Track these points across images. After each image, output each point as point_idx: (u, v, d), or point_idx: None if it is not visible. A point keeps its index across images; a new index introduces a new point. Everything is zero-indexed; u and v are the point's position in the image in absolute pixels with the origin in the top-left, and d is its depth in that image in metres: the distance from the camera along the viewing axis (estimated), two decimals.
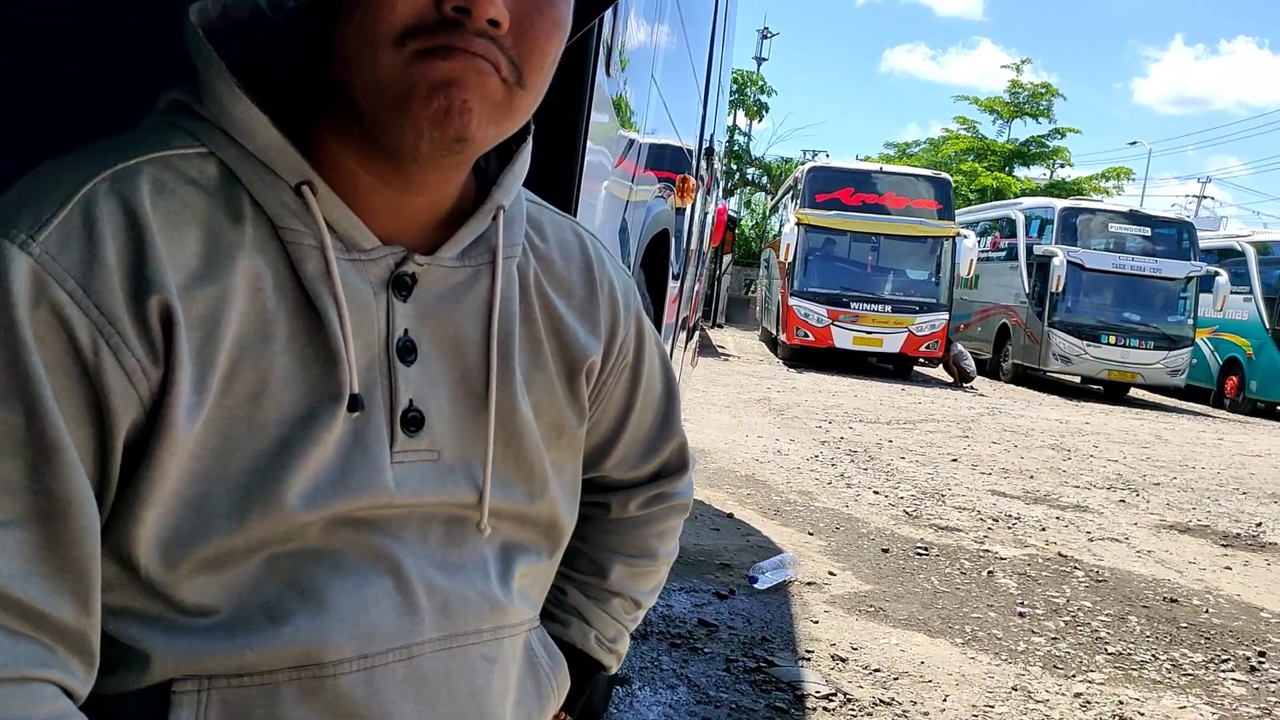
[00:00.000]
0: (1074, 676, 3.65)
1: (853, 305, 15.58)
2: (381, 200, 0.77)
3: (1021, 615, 4.30)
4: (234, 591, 0.72)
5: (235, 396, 0.71)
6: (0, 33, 1.61)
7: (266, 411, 0.72)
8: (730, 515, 5.55)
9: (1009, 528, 5.97)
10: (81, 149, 0.72)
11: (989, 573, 4.92)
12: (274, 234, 0.73)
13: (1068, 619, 4.32)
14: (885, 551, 5.13)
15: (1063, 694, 3.46)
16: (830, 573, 4.65)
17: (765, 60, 32.61)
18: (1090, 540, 5.86)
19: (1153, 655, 3.97)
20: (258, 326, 0.72)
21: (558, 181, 1.41)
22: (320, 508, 0.73)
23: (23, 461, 0.64)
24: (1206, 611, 4.63)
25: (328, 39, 0.72)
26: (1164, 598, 4.79)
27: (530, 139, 0.88)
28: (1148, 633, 4.25)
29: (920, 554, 5.15)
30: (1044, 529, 6.03)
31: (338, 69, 0.72)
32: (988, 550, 5.37)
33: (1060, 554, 5.44)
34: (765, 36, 32.04)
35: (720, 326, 23.62)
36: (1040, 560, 5.27)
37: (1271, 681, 3.80)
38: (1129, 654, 3.96)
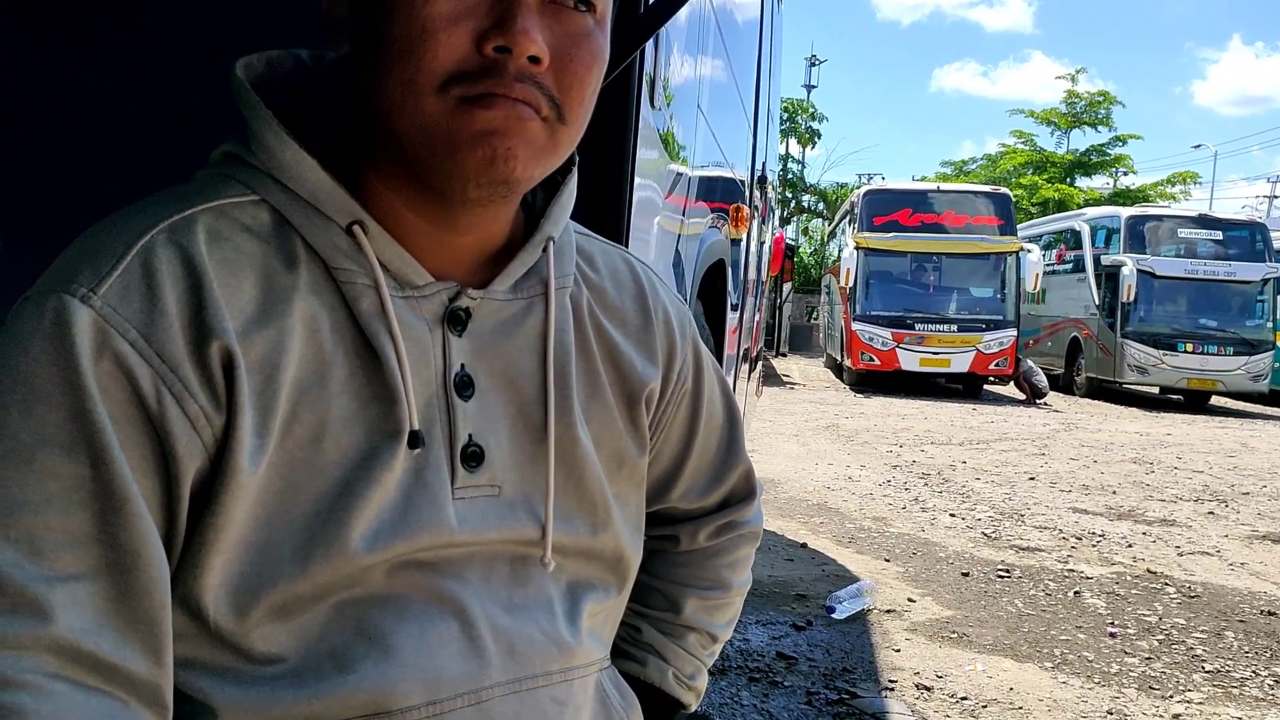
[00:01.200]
0: (1171, 697, 3.51)
1: (917, 327, 15.38)
2: (431, 241, 0.78)
3: (1113, 636, 4.16)
4: (301, 640, 0.72)
5: (296, 439, 0.71)
6: (57, 92, 1.67)
7: (327, 453, 0.72)
8: (804, 545, 5.47)
9: (1093, 546, 5.80)
10: (137, 204, 0.73)
11: (1075, 593, 4.78)
12: (328, 275, 0.74)
13: (1161, 638, 4.17)
14: (965, 575, 5.01)
15: (1160, 716, 3.33)
16: (910, 599, 4.55)
17: (815, 87, 32.61)
18: (1180, 555, 5.67)
19: (1253, 671, 3.81)
20: (315, 368, 0.72)
21: (607, 217, 1.41)
22: (384, 548, 0.73)
23: (91, 513, 0.64)
24: None
25: (372, 86, 0.73)
26: (1261, 611, 4.60)
27: (575, 170, 0.88)
28: (1246, 648, 4.08)
29: (1002, 576, 5.02)
30: (1130, 545, 5.85)
31: (383, 116, 0.73)
32: (1073, 570, 5.22)
33: (1149, 571, 5.27)
34: (813, 64, 32.09)
35: (784, 355, 23.46)
36: (1129, 578, 5.11)
37: None
38: (1228, 671, 3.80)
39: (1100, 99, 30.74)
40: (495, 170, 0.72)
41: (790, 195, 30.86)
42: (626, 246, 1.45)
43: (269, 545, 0.70)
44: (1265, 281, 15.58)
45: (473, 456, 0.78)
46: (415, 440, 0.75)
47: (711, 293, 2.69)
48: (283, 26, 1.43)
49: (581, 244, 0.93)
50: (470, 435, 0.78)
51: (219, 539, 0.68)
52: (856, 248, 15.86)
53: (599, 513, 0.87)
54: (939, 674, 3.61)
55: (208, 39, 1.54)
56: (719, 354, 2.81)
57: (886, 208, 16.19)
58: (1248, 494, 7.82)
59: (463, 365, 0.79)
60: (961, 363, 15.38)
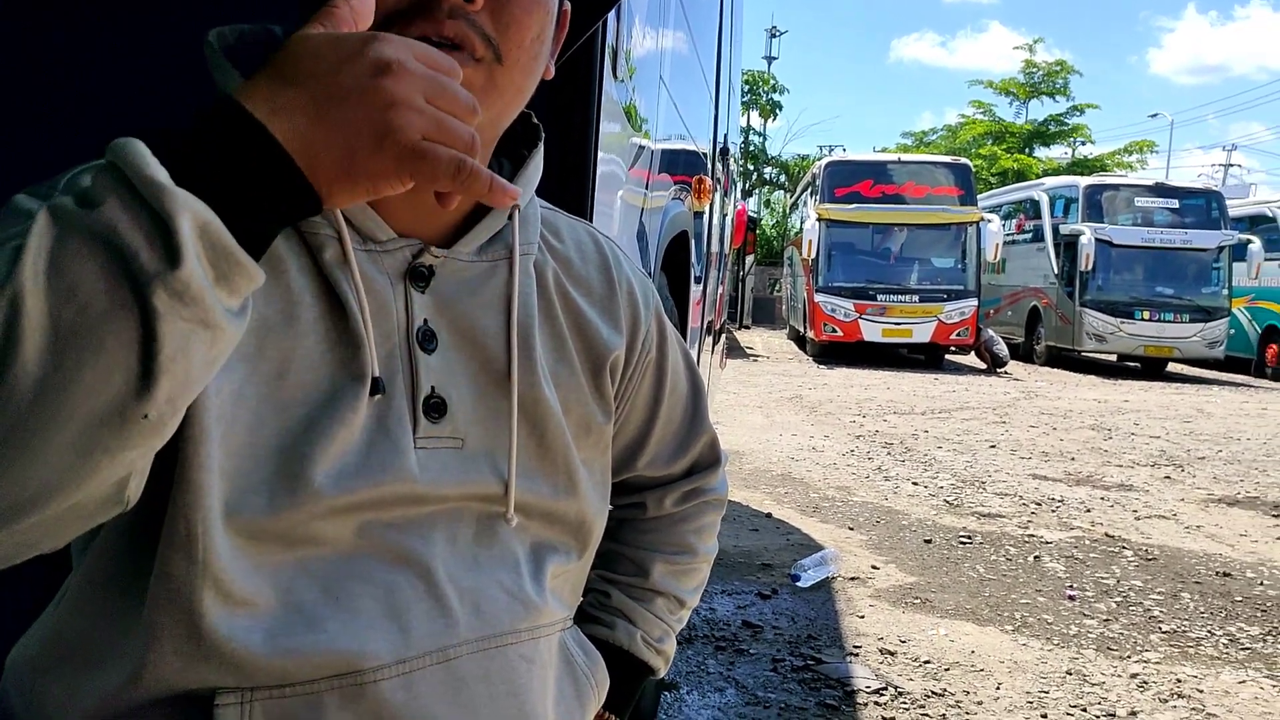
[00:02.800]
0: (1129, 657, 3.60)
1: (879, 298, 15.49)
2: (396, 201, 0.78)
3: (1071, 598, 4.25)
4: (272, 588, 0.72)
5: (262, 374, 0.72)
6: (30, 59, 1.65)
7: (291, 390, 0.73)
8: (769, 515, 5.52)
9: (1053, 511, 5.90)
10: None
11: (1035, 558, 4.86)
12: (293, 226, 0.74)
13: (1119, 600, 4.27)
14: (928, 542, 5.08)
15: (1119, 675, 3.41)
16: (873, 567, 4.61)
17: (775, 59, 32.55)
18: (1137, 519, 5.79)
19: (1208, 631, 3.91)
20: (282, 307, 0.73)
21: (570, 188, 1.41)
22: (347, 490, 0.73)
23: None
24: (1261, 584, 4.56)
25: None
26: (1216, 572, 4.72)
27: (541, 144, 0.89)
28: (1202, 609, 4.18)
29: (964, 543, 5.10)
30: (1089, 510, 5.96)
31: None
32: (1033, 535, 5.31)
33: (1107, 535, 5.37)
34: (774, 35, 32.02)
35: (747, 328, 23.57)
36: (1087, 542, 5.20)
37: None
38: (1184, 631, 3.90)
39: (1058, 69, 30.95)
40: None
41: (752, 167, 30.89)
42: (590, 218, 1.45)
43: (238, 474, 0.70)
44: (1220, 249, 15.82)
45: (435, 408, 0.79)
46: (376, 386, 0.75)
47: (675, 265, 2.69)
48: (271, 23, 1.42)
49: (548, 217, 0.94)
50: (433, 387, 0.79)
51: (197, 455, 0.68)
52: (818, 219, 15.91)
53: (561, 473, 0.88)
54: (902, 639, 3.67)
55: (190, 51, 1.53)
56: (683, 326, 2.82)
57: (848, 179, 16.25)
58: (1203, 459, 7.98)
59: (425, 320, 0.80)
60: (923, 333, 15.52)
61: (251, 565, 0.72)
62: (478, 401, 0.82)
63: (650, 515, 1.09)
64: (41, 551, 0.61)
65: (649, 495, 1.09)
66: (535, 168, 0.89)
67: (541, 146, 0.89)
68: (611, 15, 1.44)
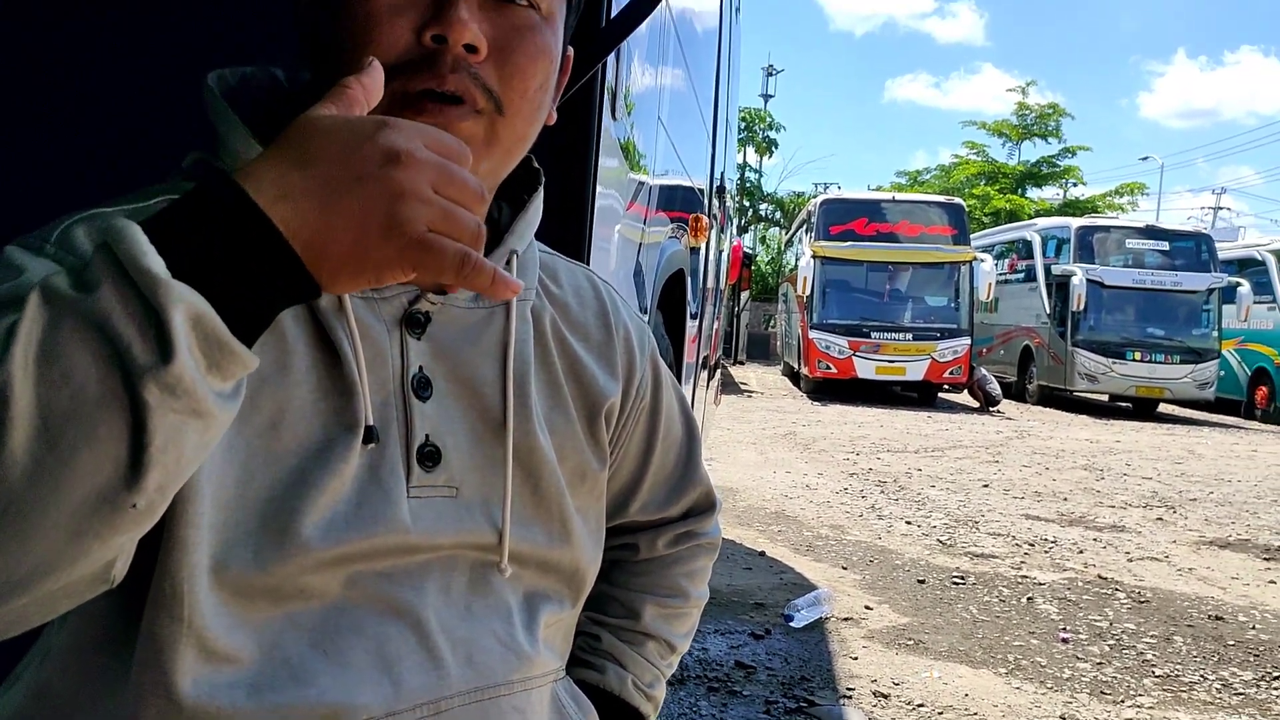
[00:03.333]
0: (1123, 702, 3.57)
1: (873, 335, 15.52)
2: None
3: (1065, 641, 4.22)
4: (258, 645, 0.71)
5: (254, 426, 0.71)
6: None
7: (284, 441, 0.72)
8: (762, 553, 5.50)
9: (1046, 552, 5.88)
10: (108, 201, 0.75)
11: (1028, 599, 4.84)
12: None
13: (1112, 643, 4.24)
14: (921, 583, 5.06)
15: None
16: (867, 607, 4.58)
17: (772, 97, 32.80)
18: (1130, 561, 5.77)
19: (1201, 676, 3.88)
20: (276, 356, 0.72)
21: (569, 227, 1.41)
22: (336, 542, 0.72)
23: None
24: (1253, 628, 4.54)
25: (325, 82, 0.74)
26: (1209, 616, 4.70)
27: (541, 188, 0.89)
28: (1195, 653, 4.16)
29: (957, 583, 5.07)
30: (1082, 551, 5.95)
31: None
32: (1026, 576, 5.29)
33: (1100, 576, 5.35)
34: (770, 73, 32.30)
35: (741, 363, 23.57)
36: (1080, 584, 5.18)
37: None
38: (1177, 675, 3.87)
39: (1050, 111, 31.28)
40: None
41: (748, 204, 31.04)
42: (588, 257, 1.45)
43: (225, 527, 0.69)
44: (1211, 291, 15.91)
45: (429, 456, 0.78)
46: (370, 435, 0.75)
47: (671, 303, 2.69)
48: (266, 40, 1.43)
49: (546, 261, 0.94)
50: (427, 435, 0.78)
51: (186, 513, 0.67)
52: (813, 256, 15.98)
53: (556, 521, 0.87)
54: (896, 681, 3.64)
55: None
56: (678, 362, 2.82)
57: (843, 217, 16.34)
58: (1195, 500, 7.98)
59: (421, 367, 0.79)
60: (917, 371, 15.55)
61: (237, 621, 0.70)
62: (473, 449, 0.81)
63: (642, 557, 1.08)
64: (32, 625, 0.61)
65: (642, 537, 1.08)
66: (535, 212, 0.88)
67: (541, 191, 0.89)
68: (611, 56, 1.45)
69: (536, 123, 0.81)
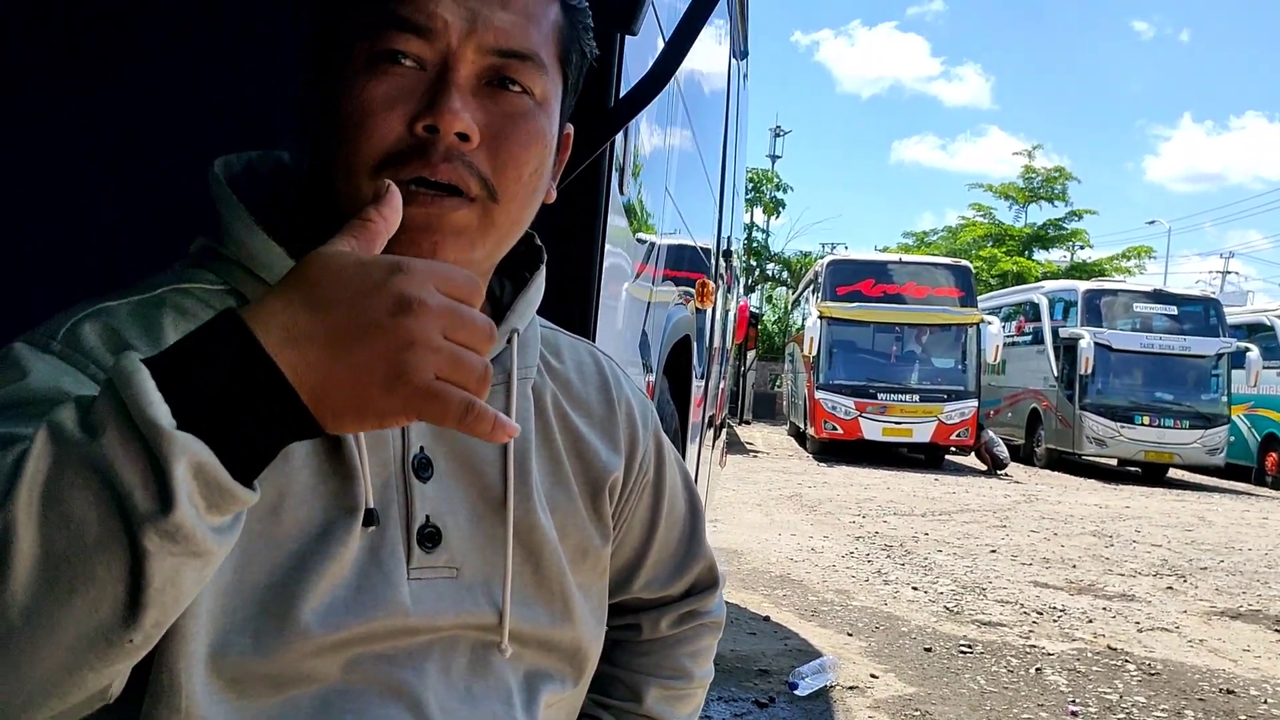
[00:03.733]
0: None
1: (880, 396, 15.49)
2: None
3: (1074, 715, 4.15)
4: None
5: (255, 511, 0.70)
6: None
7: (284, 526, 0.72)
8: (767, 618, 5.43)
9: (1054, 621, 5.81)
10: (116, 291, 0.75)
11: (1037, 670, 4.77)
12: None
13: (1122, 716, 4.17)
14: (928, 651, 4.99)
15: None
16: (872, 675, 4.52)
17: (779, 157, 33.10)
18: (1140, 631, 5.69)
19: None
20: None
21: (575, 301, 1.42)
22: (335, 627, 0.72)
23: None
24: (1265, 702, 4.46)
25: (322, 171, 0.76)
26: (1220, 689, 4.61)
27: (543, 266, 0.89)
28: None
29: (964, 652, 5.00)
30: (1091, 621, 5.87)
31: (331, 200, 0.75)
32: (1034, 646, 5.21)
33: (1110, 647, 5.27)
34: (778, 134, 32.61)
35: (748, 423, 23.52)
36: (1089, 655, 5.11)
37: None
38: None
39: (1056, 174, 31.50)
40: None
41: (755, 264, 31.20)
42: (594, 327, 1.46)
43: (224, 613, 0.69)
44: (1219, 356, 15.87)
45: (430, 537, 0.78)
46: (370, 518, 0.75)
47: (677, 369, 2.69)
48: (269, 125, 1.45)
49: (548, 336, 0.95)
50: (428, 516, 0.78)
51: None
52: (820, 317, 16.01)
53: (558, 601, 0.87)
54: None
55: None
56: (684, 424, 2.81)
57: (850, 278, 16.39)
58: (1205, 569, 7.88)
59: (422, 447, 0.79)
60: (924, 433, 15.49)
61: (234, 709, 0.70)
62: (474, 529, 0.81)
63: (646, 637, 1.07)
64: None
65: (645, 617, 1.07)
66: (536, 289, 0.89)
67: (543, 269, 0.90)
68: (619, 133, 1.46)
69: (532, 206, 0.81)
